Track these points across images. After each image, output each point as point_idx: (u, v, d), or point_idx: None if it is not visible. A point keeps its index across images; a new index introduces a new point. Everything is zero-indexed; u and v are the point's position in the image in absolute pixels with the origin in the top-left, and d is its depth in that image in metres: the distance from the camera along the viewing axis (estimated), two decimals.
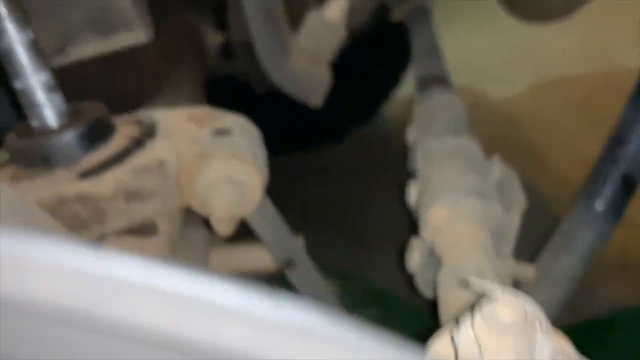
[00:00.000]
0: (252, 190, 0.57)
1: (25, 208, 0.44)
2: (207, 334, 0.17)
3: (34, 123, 0.57)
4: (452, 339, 0.32)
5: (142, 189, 0.55)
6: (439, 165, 0.74)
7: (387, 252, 1.85)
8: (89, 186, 0.53)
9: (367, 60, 2.12)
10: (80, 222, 0.54)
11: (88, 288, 0.17)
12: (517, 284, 0.71)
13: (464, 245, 0.59)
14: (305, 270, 0.74)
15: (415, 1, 1.48)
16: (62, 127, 0.56)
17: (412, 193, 0.81)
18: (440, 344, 0.34)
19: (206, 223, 0.62)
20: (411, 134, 0.96)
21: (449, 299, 0.53)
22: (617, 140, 0.80)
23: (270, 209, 0.66)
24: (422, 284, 0.69)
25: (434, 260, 0.66)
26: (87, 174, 0.54)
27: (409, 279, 0.71)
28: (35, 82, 0.55)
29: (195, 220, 0.69)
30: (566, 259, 0.78)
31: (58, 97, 0.57)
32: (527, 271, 0.70)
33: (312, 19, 0.95)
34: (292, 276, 0.74)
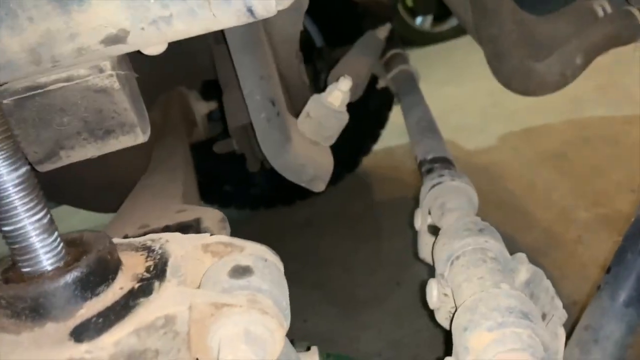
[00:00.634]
0: (272, 345, 0.49)
1: None
2: None
3: (25, 268, 0.48)
4: None
5: (146, 350, 0.47)
6: (466, 271, 0.69)
7: (376, 312, 1.80)
8: (82, 352, 0.44)
9: (351, 118, 2.11)
10: None
11: None
12: None
13: None
14: None
15: (399, 68, 1.47)
16: (56, 273, 0.48)
17: (434, 292, 0.75)
18: None
19: None
20: (419, 220, 0.92)
21: None
22: (638, 231, 0.78)
23: (292, 356, 0.58)
24: None
25: None
26: (82, 333, 0.46)
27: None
28: (27, 224, 0.47)
29: None
30: (597, 355, 0.74)
31: (54, 237, 0.49)
32: None
33: (313, 105, 0.91)
34: None
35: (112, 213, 1.08)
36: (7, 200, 0.46)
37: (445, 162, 0.93)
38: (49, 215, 0.49)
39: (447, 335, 0.65)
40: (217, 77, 1.24)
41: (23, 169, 0.47)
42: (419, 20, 4.18)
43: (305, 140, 0.92)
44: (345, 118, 0.92)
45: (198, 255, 0.56)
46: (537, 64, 1.12)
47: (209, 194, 2.19)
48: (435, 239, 0.79)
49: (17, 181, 0.46)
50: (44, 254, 0.48)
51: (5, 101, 0.62)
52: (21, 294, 0.46)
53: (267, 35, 0.87)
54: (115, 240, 0.57)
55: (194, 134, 1.52)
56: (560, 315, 0.65)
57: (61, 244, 0.49)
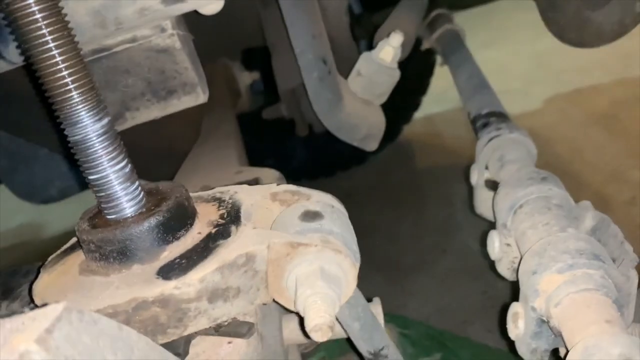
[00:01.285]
0: (346, 283, 0.50)
1: (127, 337, 0.38)
2: None
3: (110, 215, 0.51)
4: None
5: (229, 287, 0.49)
6: (530, 218, 0.68)
7: (423, 279, 1.80)
8: (171, 288, 0.47)
9: None
10: (159, 326, 0.48)
11: None
12: None
13: (591, 319, 0.53)
14: None
15: (444, 27, 1.44)
16: (139, 218, 0.50)
17: (495, 244, 0.75)
18: None
19: None
20: (475, 175, 0.91)
21: None
22: None
23: (361, 301, 0.59)
24: (530, 353, 0.63)
25: (545, 329, 0.60)
26: (168, 272, 0.48)
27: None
28: (111, 173, 0.49)
29: None
30: None
31: (135, 186, 0.51)
32: None
33: (364, 62, 0.90)
34: None
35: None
36: (92, 149, 0.48)
37: (501, 116, 0.91)
38: (130, 165, 0.51)
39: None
40: (260, 44, 1.24)
41: (105, 120, 0.49)
42: None
43: (356, 99, 0.92)
44: (396, 75, 0.91)
45: (267, 204, 0.57)
46: (594, 12, 1.07)
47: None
48: (495, 191, 0.78)
49: (100, 131, 0.48)
50: (127, 201, 0.50)
51: None
52: (109, 237, 0.49)
53: None
54: None
55: (238, 104, 1.54)
56: (631, 258, 0.63)
57: (142, 192, 0.52)
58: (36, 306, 0.50)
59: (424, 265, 1.84)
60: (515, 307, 0.63)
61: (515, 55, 3.21)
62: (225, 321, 0.51)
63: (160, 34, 0.67)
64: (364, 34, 1.79)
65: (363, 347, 0.62)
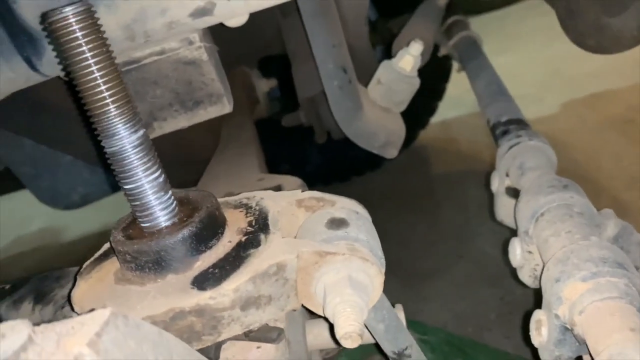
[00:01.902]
0: (373, 290, 0.52)
1: (167, 342, 0.39)
2: None
3: (144, 223, 0.53)
4: None
5: (261, 296, 0.50)
6: (552, 226, 0.69)
7: (439, 285, 1.79)
8: (207, 298, 0.48)
9: None
10: (194, 334, 0.50)
11: None
12: None
13: (616, 327, 0.53)
14: None
15: (461, 34, 1.44)
16: (173, 228, 0.52)
17: (517, 251, 0.75)
18: None
19: None
20: (496, 182, 0.91)
21: None
22: None
23: (386, 303, 0.61)
24: None
25: (569, 336, 0.61)
26: (202, 282, 0.50)
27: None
28: (145, 183, 0.51)
29: None
30: None
31: (168, 195, 0.53)
32: None
33: (384, 71, 0.92)
34: None
35: None
36: (128, 160, 0.50)
37: (521, 124, 0.92)
38: (163, 175, 0.53)
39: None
40: (277, 52, 1.26)
41: (141, 132, 0.51)
42: None
43: (376, 107, 0.93)
44: (416, 83, 0.92)
45: (292, 210, 0.58)
46: (613, 19, 1.07)
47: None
48: (517, 199, 0.79)
49: (136, 142, 0.50)
50: (160, 210, 0.52)
51: None
52: (145, 248, 0.50)
53: (337, 3, 0.88)
54: None
55: (256, 111, 1.56)
56: None
57: (174, 202, 0.53)
58: (76, 312, 0.52)
59: (441, 271, 1.84)
60: (538, 315, 0.64)
61: (528, 62, 3.19)
62: (256, 327, 0.52)
63: (187, 47, 0.69)
64: (380, 41, 1.81)
65: (387, 348, 0.63)
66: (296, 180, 0.83)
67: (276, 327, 0.53)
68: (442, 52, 1.49)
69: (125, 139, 0.50)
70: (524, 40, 3.55)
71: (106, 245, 0.60)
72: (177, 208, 0.54)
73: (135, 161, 0.50)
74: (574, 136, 2.34)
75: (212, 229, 0.53)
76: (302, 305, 0.54)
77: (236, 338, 0.53)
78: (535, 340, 0.64)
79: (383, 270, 0.54)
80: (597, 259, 0.60)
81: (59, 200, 1.42)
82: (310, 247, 0.51)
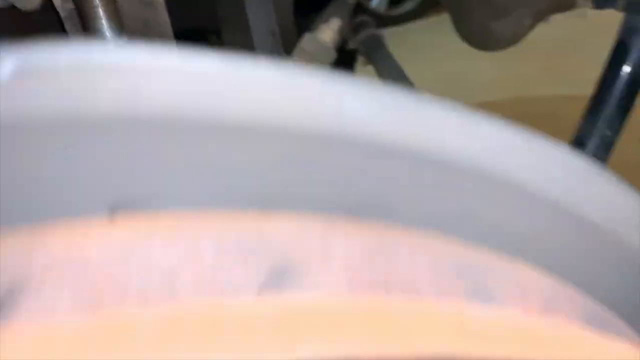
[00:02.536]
0: None
1: None
2: None
3: None
4: None
5: None
6: None
7: None
8: None
9: None
10: None
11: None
12: None
13: None
14: None
15: (368, 32, 1.60)
16: None
17: None
18: None
19: None
20: None
21: None
22: (577, 144, 0.93)
23: None
24: None
25: None
26: None
27: None
28: None
29: None
30: None
31: None
32: None
33: (306, 40, 1.02)
34: None
35: None
36: None
37: None
38: None
39: None
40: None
41: None
42: (374, 1, 4.31)
43: None
44: (333, 54, 1.04)
45: None
46: (495, 22, 1.29)
47: None
48: None
49: None
50: None
51: None
52: None
53: None
54: None
55: None
56: None
57: None
58: None
59: None
60: None
61: (423, 75, 3.50)
62: None
63: None
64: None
65: None
66: None
67: None
68: (351, 45, 1.63)
69: None
70: (422, 55, 3.88)
71: None
72: None
73: None
74: None
75: None
76: None
77: None
78: None
79: None
80: None
81: None
82: None
